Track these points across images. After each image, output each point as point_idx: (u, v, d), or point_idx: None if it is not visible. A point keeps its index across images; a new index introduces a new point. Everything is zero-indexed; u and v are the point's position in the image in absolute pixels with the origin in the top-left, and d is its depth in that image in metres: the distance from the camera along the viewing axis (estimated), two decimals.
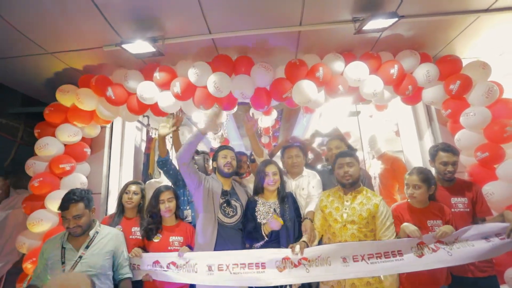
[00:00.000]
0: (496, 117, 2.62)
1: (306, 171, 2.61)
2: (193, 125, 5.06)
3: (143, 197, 2.47)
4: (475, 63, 2.78)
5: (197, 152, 3.16)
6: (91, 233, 1.99)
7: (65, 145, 2.98)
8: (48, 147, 2.83)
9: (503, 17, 2.53)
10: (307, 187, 2.49)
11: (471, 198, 2.22)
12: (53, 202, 2.70)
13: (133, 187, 2.43)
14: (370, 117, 4.62)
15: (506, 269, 2.41)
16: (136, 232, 2.33)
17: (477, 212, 2.21)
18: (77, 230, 1.92)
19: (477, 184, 2.36)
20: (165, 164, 2.67)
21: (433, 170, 2.39)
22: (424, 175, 2.13)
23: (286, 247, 2.05)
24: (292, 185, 2.54)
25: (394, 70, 2.69)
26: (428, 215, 2.10)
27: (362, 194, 2.12)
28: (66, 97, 2.92)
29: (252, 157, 3.05)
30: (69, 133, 2.93)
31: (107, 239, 2.03)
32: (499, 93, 2.67)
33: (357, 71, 2.73)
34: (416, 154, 3.42)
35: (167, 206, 2.27)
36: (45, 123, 2.98)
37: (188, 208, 2.72)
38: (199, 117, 4.82)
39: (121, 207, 2.43)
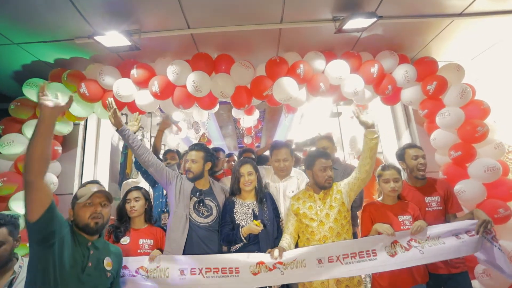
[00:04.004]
0: (469, 118, 2.72)
1: (293, 171, 2.54)
2: (173, 124, 4.93)
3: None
4: (450, 65, 2.88)
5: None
6: (16, 267, 1.60)
7: None
8: (14, 144, 2.65)
9: (474, 22, 2.64)
10: (296, 190, 2.43)
11: (443, 196, 2.26)
12: (19, 203, 2.53)
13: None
14: (351, 118, 4.69)
15: (476, 265, 2.50)
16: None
17: (448, 209, 2.24)
18: None
19: (447, 182, 2.42)
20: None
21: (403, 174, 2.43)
22: (398, 169, 2.19)
23: (266, 248, 2.01)
24: (279, 187, 2.46)
25: (374, 69, 2.74)
26: (399, 211, 2.14)
27: (331, 189, 2.15)
28: (34, 91, 2.74)
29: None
30: None
31: None
32: (472, 95, 2.77)
33: (338, 69, 2.75)
34: (394, 154, 3.48)
35: (132, 205, 2.16)
36: (11, 118, 2.79)
37: (166, 210, 2.62)
38: (179, 116, 4.74)
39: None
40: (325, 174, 2.08)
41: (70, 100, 1.38)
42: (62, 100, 1.33)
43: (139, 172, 3.81)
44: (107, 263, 1.59)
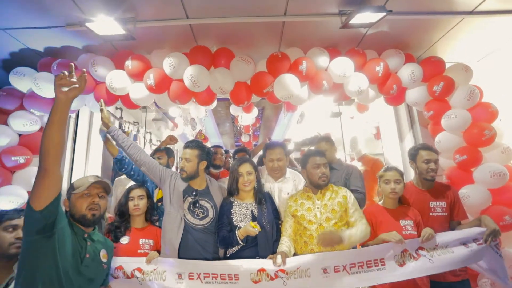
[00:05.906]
0: (476, 120, 2.64)
1: (289, 172, 2.44)
2: (169, 120, 4.80)
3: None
4: (458, 65, 2.79)
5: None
6: (15, 267, 1.47)
7: (19, 135, 2.66)
8: None
9: (483, 21, 2.56)
10: (292, 192, 2.32)
11: (449, 202, 2.18)
12: (4, 199, 2.40)
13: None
14: (351, 119, 4.60)
15: (479, 274, 2.41)
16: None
17: (454, 215, 2.18)
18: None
19: (454, 188, 2.34)
20: (122, 165, 2.37)
21: (411, 173, 2.35)
22: (400, 171, 2.13)
23: (265, 251, 1.91)
24: (275, 188, 2.36)
25: (379, 68, 2.65)
26: (400, 215, 2.08)
27: (330, 190, 2.08)
28: (21, 81, 2.61)
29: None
30: (24, 122, 2.62)
31: None
32: (480, 97, 2.69)
33: (343, 66, 2.65)
34: (396, 156, 3.40)
35: (136, 203, 2.08)
36: None
37: (156, 213, 2.49)
38: (176, 112, 4.60)
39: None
40: (319, 172, 2.03)
41: (84, 80, 1.31)
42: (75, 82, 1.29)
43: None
44: (103, 255, 1.58)
